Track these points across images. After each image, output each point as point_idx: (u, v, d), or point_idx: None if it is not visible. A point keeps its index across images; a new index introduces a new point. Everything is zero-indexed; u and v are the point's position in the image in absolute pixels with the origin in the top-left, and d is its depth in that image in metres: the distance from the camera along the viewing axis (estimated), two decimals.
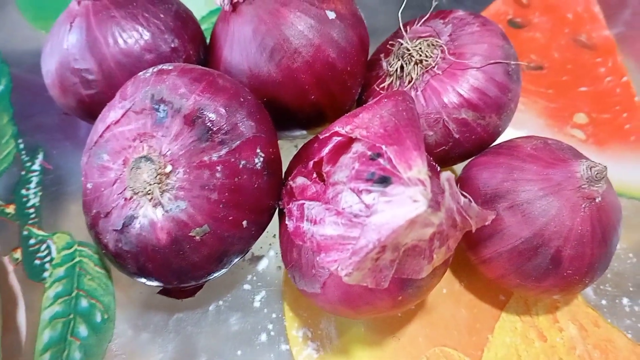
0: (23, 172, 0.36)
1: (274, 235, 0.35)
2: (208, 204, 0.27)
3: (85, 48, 0.32)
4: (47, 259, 0.33)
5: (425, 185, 0.21)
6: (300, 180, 0.28)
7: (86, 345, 0.30)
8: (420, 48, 0.32)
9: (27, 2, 0.43)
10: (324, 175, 0.27)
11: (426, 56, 0.32)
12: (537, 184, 0.28)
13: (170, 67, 0.29)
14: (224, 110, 0.27)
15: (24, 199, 0.35)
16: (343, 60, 0.32)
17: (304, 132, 0.36)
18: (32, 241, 0.33)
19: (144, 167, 0.27)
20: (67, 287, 0.32)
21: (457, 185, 0.23)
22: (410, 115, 0.24)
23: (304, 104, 0.32)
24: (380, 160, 0.23)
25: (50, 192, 0.35)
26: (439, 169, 0.28)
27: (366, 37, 0.34)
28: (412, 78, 0.32)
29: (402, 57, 0.33)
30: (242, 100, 0.28)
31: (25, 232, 0.33)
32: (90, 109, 0.33)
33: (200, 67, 0.30)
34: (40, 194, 0.35)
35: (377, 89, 0.34)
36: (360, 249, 0.22)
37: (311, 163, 0.27)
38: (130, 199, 0.27)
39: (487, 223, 0.25)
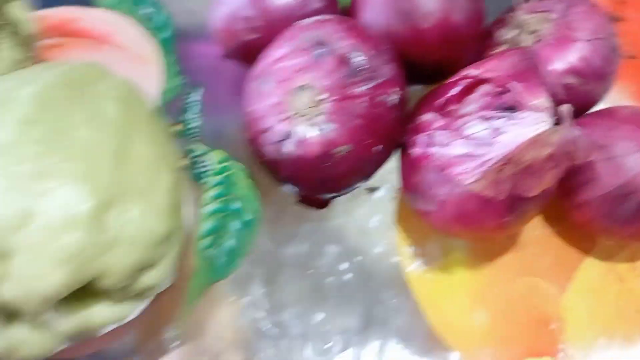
0: (187, 101, 0.43)
1: (389, 172, 0.41)
2: (352, 127, 0.33)
3: (254, 1, 0.39)
4: (207, 168, 0.40)
5: (547, 111, 0.27)
6: (428, 116, 0.34)
7: (239, 236, 0.38)
8: (534, 21, 0.38)
9: None
10: (450, 112, 0.33)
11: (539, 28, 0.37)
12: (632, 141, 0.33)
13: (327, 17, 0.36)
14: (370, 54, 0.34)
15: (189, 122, 0.42)
16: (465, 26, 0.37)
17: (422, 86, 0.41)
18: (195, 154, 0.41)
19: (303, 94, 0.33)
20: (222, 191, 0.39)
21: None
22: (534, 62, 0.30)
23: (429, 61, 0.38)
24: (508, 94, 0.29)
25: (209, 118, 0.42)
26: None
27: (484, 10, 0.39)
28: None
29: (518, 28, 0.38)
30: (384, 48, 0.35)
31: (190, 147, 0.41)
32: (251, 52, 0.40)
33: (351, 18, 0.36)
34: (201, 119, 0.42)
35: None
36: (488, 161, 0.28)
37: (440, 100, 0.33)
38: (290, 118, 0.34)
39: (590, 159, 0.30)
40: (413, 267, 0.37)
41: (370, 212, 0.39)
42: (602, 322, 0.35)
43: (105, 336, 0.32)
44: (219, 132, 0.42)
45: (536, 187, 0.30)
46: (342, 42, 0.34)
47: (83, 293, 0.28)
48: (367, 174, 0.36)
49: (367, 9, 0.39)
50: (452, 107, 0.33)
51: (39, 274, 0.24)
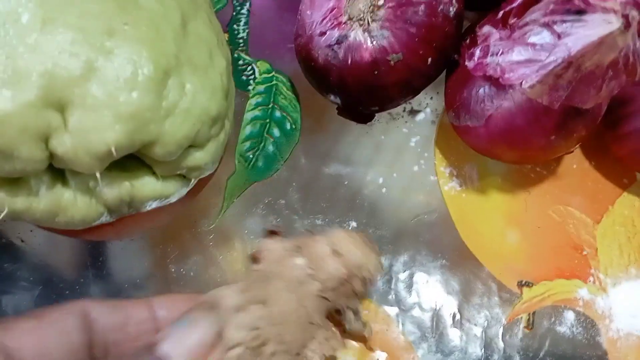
0: (234, 13, 0.43)
1: (431, 97, 0.41)
2: (407, 36, 0.33)
3: None
4: (251, 77, 0.40)
5: (617, 13, 0.27)
6: (486, 29, 0.34)
7: (278, 143, 0.38)
8: None
9: None
10: (511, 24, 0.32)
11: None
12: None
13: None
14: None
15: (235, 32, 0.42)
16: None
17: (471, 14, 0.41)
18: (240, 62, 0.41)
19: None
20: (265, 100, 0.39)
21: None
22: None
23: None
24: (575, 1, 0.29)
25: (255, 31, 0.42)
26: None
27: None
28: None
29: None
30: None
31: (235, 55, 0.41)
32: None
33: None
34: (247, 30, 0.42)
35: None
36: (549, 64, 0.28)
37: (500, 13, 0.33)
38: (345, 23, 0.34)
39: None
40: (449, 186, 0.37)
41: (410, 133, 0.39)
42: (634, 252, 0.35)
43: (147, 217, 0.33)
44: (264, 45, 0.42)
45: (592, 99, 0.29)
46: None
47: (131, 166, 0.28)
48: (415, 88, 0.36)
49: None
50: (513, 20, 0.32)
51: (95, 129, 0.24)
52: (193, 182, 0.31)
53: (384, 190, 0.37)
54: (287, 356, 0.26)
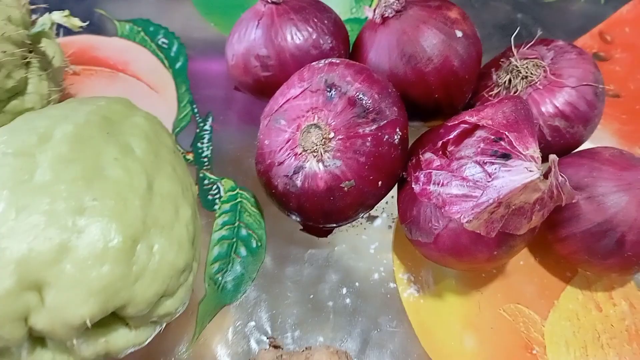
0: (197, 130, 0.46)
1: (387, 202, 0.44)
2: (357, 164, 0.36)
3: (268, 40, 0.41)
4: (217, 196, 0.43)
5: (537, 161, 0.30)
6: (427, 155, 0.37)
7: (245, 262, 0.40)
8: (527, 66, 0.41)
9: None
10: (449, 153, 0.36)
11: (531, 73, 0.40)
12: (612, 182, 0.36)
13: (338, 61, 0.38)
14: (377, 97, 0.36)
15: (200, 150, 0.45)
16: (463, 70, 0.40)
17: (420, 123, 0.44)
18: (206, 182, 0.43)
19: (313, 132, 0.36)
20: (231, 218, 0.42)
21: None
22: (527, 113, 0.33)
23: (428, 100, 0.41)
24: (502, 142, 0.32)
25: (218, 147, 0.45)
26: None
27: (481, 53, 0.42)
28: (517, 90, 0.41)
29: (511, 72, 0.41)
30: (389, 91, 0.37)
31: (201, 175, 0.44)
32: (263, 88, 0.42)
33: (359, 63, 0.39)
34: (211, 147, 0.45)
35: (486, 96, 0.42)
36: (482, 203, 0.31)
37: (439, 142, 0.36)
38: (300, 154, 0.37)
39: (574, 201, 0.33)
40: (408, 293, 0.40)
41: (369, 240, 0.42)
42: (580, 347, 0.38)
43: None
44: (227, 161, 0.45)
45: (524, 227, 0.33)
46: (352, 86, 0.36)
47: (105, 321, 0.30)
48: (369, 206, 0.38)
49: (372, 50, 0.41)
50: (451, 148, 0.35)
51: (71, 305, 0.26)
52: (162, 326, 0.33)
53: (347, 300, 0.39)
54: None
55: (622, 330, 0.39)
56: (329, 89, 0.37)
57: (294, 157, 0.37)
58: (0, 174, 0.28)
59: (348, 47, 0.44)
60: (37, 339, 0.29)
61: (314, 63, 0.39)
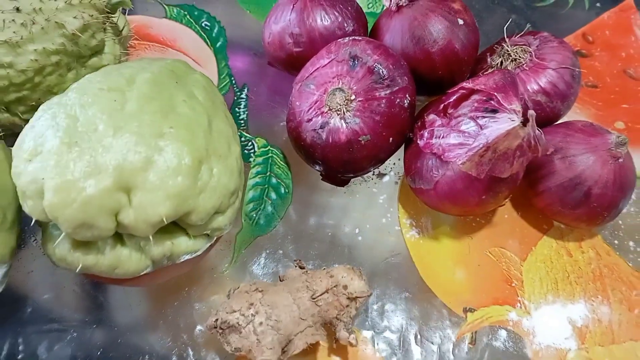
0: (235, 98, 0.54)
1: (394, 163, 0.52)
2: (373, 122, 0.44)
3: (301, 21, 0.49)
4: (252, 150, 0.51)
5: (518, 114, 0.38)
6: (431, 117, 0.45)
7: (275, 204, 0.48)
8: (516, 51, 0.49)
9: None
10: (449, 114, 0.44)
11: (519, 57, 0.48)
12: (582, 145, 0.44)
13: (360, 38, 0.46)
14: (391, 67, 0.44)
15: (237, 114, 0.53)
16: (463, 52, 0.48)
17: (426, 97, 0.52)
18: (242, 139, 0.51)
19: (338, 94, 0.44)
20: (263, 169, 0.50)
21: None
22: (513, 80, 0.41)
23: (433, 77, 0.49)
24: (492, 102, 0.40)
25: (252, 113, 0.53)
26: None
27: (478, 39, 0.50)
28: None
29: (503, 56, 0.49)
30: (402, 64, 0.45)
31: (238, 133, 0.52)
32: (295, 62, 0.50)
33: (377, 40, 0.47)
34: (247, 112, 0.53)
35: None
36: (474, 147, 0.39)
37: (441, 106, 0.44)
38: (326, 112, 0.44)
39: (547, 153, 0.41)
40: (410, 235, 0.48)
41: (378, 192, 0.50)
42: (551, 284, 0.46)
43: (175, 267, 0.42)
44: (260, 125, 0.53)
45: (508, 170, 0.40)
46: (371, 57, 0.44)
47: (170, 229, 0.38)
48: (381, 159, 0.46)
49: (387, 34, 0.50)
50: (450, 110, 0.43)
51: (152, 205, 0.34)
52: (215, 238, 0.40)
53: (359, 238, 0.47)
54: (272, 330, 0.37)
55: (589, 272, 0.47)
56: (352, 60, 0.45)
57: (320, 115, 0.45)
58: (99, 103, 0.36)
59: (367, 32, 0.53)
60: (118, 238, 0.37)
61: (340, 40, 0.47)
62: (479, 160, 0.39)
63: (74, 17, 0.41)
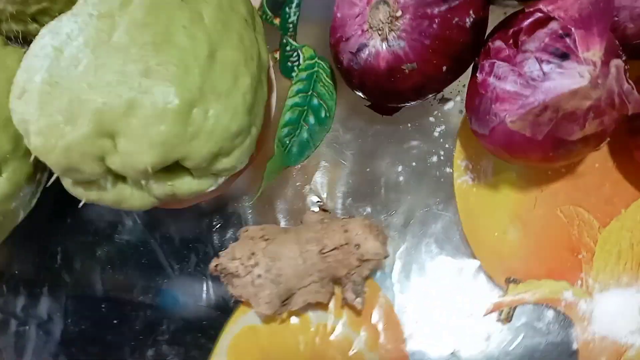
0: None
1: (464, 85, 0.42)
2: (421, 47, 0.35)
3: None
4: (296, 63, 0.45)
5: (594, 66, 0.27)
6: (498, 43, 0.35)
7: (312, 131, 0.43)
8: None
9: None
10: (519, 42, 0.33)
11: None
12: None
13: None
14: None
15: (287, 15, 0.46)
16: None
17: (515, 2, 0.41)
18: (287, 48, 0.45)
19: (382, 8, 0.35)
20: (305, 87, 0.44)
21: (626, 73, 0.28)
22: (607, 7, 0.29)
23: None
24: (567, 39, 0.29)
25: (304, 15, 0.46)
26: (623, 58, 0.32)
27: None
28: None
29: None
30: None
31: (284, 40, 0.45)
32: None
33: None
34: (297, 14, 0.46)
35: None
36: (528, 104, 0.29)
37: (511, 31, 0.34)
38: (366, 31, 0.37)
39: None
40: (462, 180, 0.40)
41: (436, 122, 0.42)
42: (632, 260, 0.37)
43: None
44: (311, 30, 0.45)
45: (576, 133, 0.31)
46: None
47: (173, 168, 0.36)
48: (434, 89, 0.38)
49: None
50: (522, 38, 0.33)
51: (136, 153, 0.31)
52: (224, 178, 0.38)
53: (400, 179, 0.41)
54: (271, 284, 0.35)
55: None
56: None
57: (360, 34, 0.37)
58: (85, 33, 0.32)
59: None
60: (119, 176, 0.36)
61: None
62: (534, 120, 0.30)
63: None
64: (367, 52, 0.37)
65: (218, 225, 0.42)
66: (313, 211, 0.39)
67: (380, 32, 0.36)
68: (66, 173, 0.33)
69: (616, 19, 0.35)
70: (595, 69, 0.27)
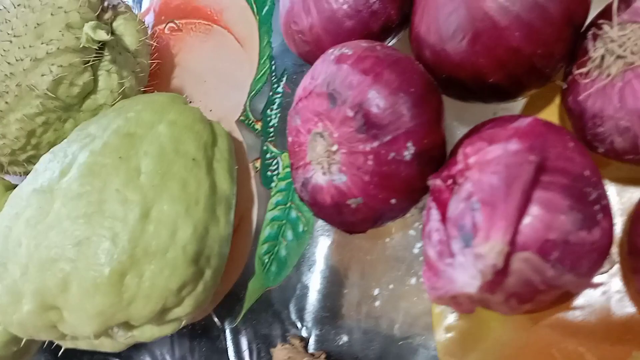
0: (270, 93, 0.45)
1: None
2: (362, 182, 0.31)
3: (300, 12, 0.36)
4: (275, 172, 0.43)
5: (488, 265, 0.22)
6: (437, 182, 0.30)
7: (289, 247, 0.41)
8: (628, 38, 0.27)
9: None
10: (453, 187, 0.28)
11: (631, 52, 0.27)
12: None
13: (349, 53, 0.32)
14: (382, 105, 0.30)
15: (268, 118, 0.44)
16: (531, 44, 0.29)
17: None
18: (267, 155, 0.43)
19: (319, 141, 0.32)
20: (284, 198, 0.42)
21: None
22: (528, 171, 0.23)
23: (483, 85, 0.31)
24: (476, 214, 0.24)
25: (284, 116, 0.44)
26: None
27: (578, 5, 0.29)
28: (610, 74, 0.28)
29: (606, 45, 0.28)
30: (402, 94, 0.30)
31: (264, 147, 0.44)
32: (309, 61, 0.38)
33: (377, 53, 0.31)
34: (278, 115, 0.44)
35: (575, 74, 0.30)
36: (438, 288, 0.25)
37: (446, 170, 0.29)
38: (309, 163, 0.34)
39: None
40: (441, 309, 0.36)
41: (417, 236, 0.38)
42: None
43: None
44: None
45: (526, 306, 0.25)
46: (351, 92, 0.30)
47: None
48: (390, 218, 0.34)
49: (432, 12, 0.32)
50: (458, 180, 0.28)
51: (78, 324, 0.33)
52: (185, 320, 0.38)
53: (377, 303, 0.38)
54: None
55: None
56: (331, 94, 0.32)
57: (304, 166, 0.34)
58: (27, 213, 0.34)
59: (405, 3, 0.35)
60: None
61: (329, 51, 0.33)
62: (454, 301, 0.26)
63: (42, 75, 0.38)
64: (312, 187, 0.34)
65: (204, 349, 0.43)
66: (282, 344, 0.38)
67: (320, 166, 0.33)
68: (31, 338, 0.35)
69: (602, 129, 0.29)
70: (491, 269, 0.22)
